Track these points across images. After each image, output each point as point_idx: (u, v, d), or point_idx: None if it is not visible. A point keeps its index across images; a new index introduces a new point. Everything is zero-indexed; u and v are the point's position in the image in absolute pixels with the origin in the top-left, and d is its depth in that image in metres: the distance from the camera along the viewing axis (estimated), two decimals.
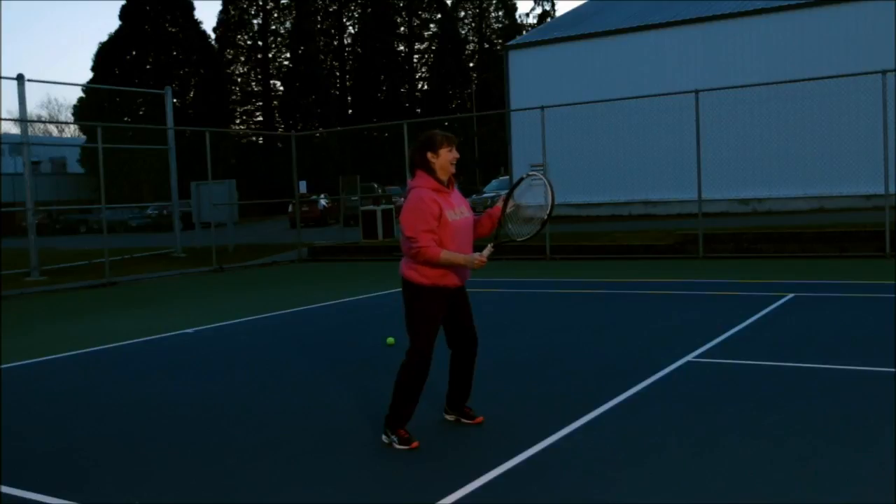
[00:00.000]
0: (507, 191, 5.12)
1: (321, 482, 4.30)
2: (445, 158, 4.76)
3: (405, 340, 4.86)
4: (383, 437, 4.87)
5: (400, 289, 4.92)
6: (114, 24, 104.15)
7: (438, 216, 4.65)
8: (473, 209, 5.11)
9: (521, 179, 5.07)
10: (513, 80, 29.30)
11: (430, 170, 4.76)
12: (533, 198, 5.03)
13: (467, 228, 4.84)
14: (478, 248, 4.79)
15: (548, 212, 4.86)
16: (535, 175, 5.04)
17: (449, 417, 5.27)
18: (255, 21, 65.39)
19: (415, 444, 4.75)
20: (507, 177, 31.04)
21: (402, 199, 5.19)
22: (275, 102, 65.41)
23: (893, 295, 9.57)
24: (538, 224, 4.92)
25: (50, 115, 73.68)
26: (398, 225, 4.81)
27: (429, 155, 4.76)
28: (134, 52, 54.13)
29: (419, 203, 4.65)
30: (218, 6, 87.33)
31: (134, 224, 38.31)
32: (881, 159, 14.36)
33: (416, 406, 4.89)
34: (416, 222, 4.62)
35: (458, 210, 4.81)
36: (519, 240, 5.01)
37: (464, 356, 5.05)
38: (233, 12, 63.95)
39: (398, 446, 4.75)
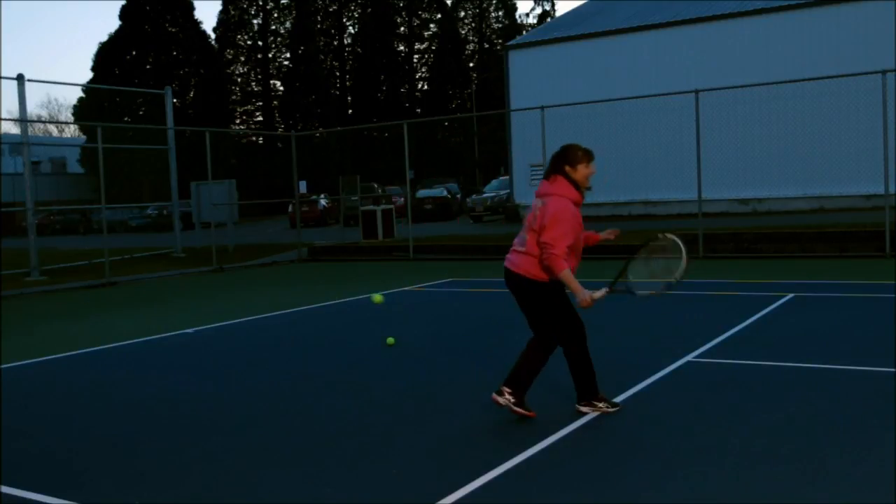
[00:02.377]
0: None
1: (321, 482, 4.30)
2: (583, 174, 4.93)
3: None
4: (587, 409, 5.12)
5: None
6: (114, 24, 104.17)
7: (580, 232, 4.89)
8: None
9: (656, 237, 5.17)
10: (513, 80, 29.30)
11: (570, 181, 4.91)
12: (664, 263, 5.16)
13: (581, 244, 5.08)
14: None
15: (676, 279, 5.02)
16: (672, 240, 5.10)
17: (500, 399, 5.11)
18: (255, 21, 65.39)
19: (620, 406, 5.22)
20: (507, 177, 31.03)
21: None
22: (275, 102, 65.40)
23: (893, 295, 9.57)
24: (661, 289, 5.09)
25: (50, 115, 73.76)
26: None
27: (567, 168, 4.91)
28: (134, 52, 54.12)
29: (567, 214, 4.83)
30: (218, 6, 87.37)
31: (134, 224, 38.32)
32: (881, 159, 14.35)
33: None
34: (560, 231, 4.79)
35: (582, 226, 5.01)
36: (637, 293, 5.19)
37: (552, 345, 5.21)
38: (233, 12, 63.93)
39: (610, 409, 5.15)
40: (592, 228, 5.25)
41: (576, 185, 4.92)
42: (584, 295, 4.85)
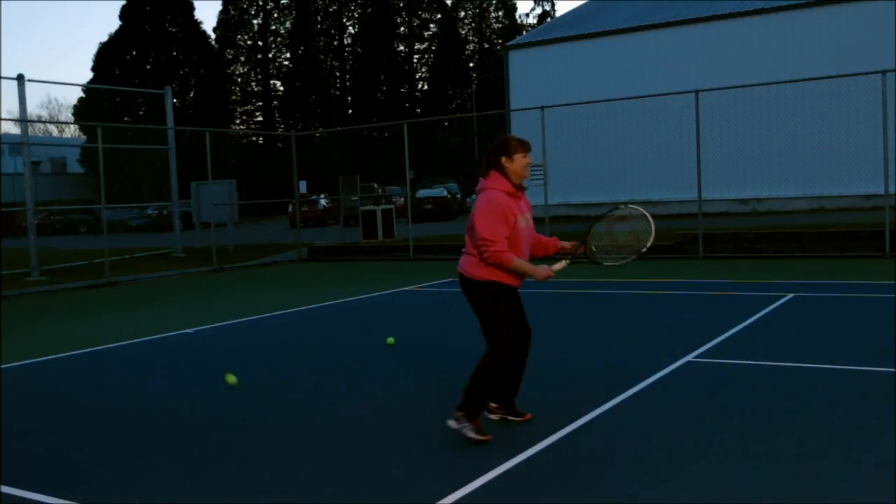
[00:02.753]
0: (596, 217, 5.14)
1: (321, 482, 4.30)
2: (520, 164, 4.79)
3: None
4: (452, 423, 4.76)
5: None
6: (114, 24, 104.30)
7: (514, 221, 4.71)
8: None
9: (617, 207, 5.12)
10: (513, 80, 29.30)
11: (504, 173, 4.79)
12: (629, 227, 5.07)
13: (530, 236, 4.94)
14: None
15: (647, 245, 4.96)
16: (635, 209, 5.07)
17: (493, 417, 5.12)
18: (255, 21, 65.40)
19: (489, 437, 4.73)
20: None
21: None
22: (275, 102, 65.39)
23: (893, 295, 9.57)
24: (631, 254, 5.00)
25: (50, 115, 73.76)
26: (471, 226, 4.78)
27: (503, 159, 4.79)
28: (134, 52, 54.11)
29: (496, 206, 4.67)
30: (218, 6, 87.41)
31: (134, 224, 38.32)
32: (881, 159, 14.36)
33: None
34: (493, 225, 4.64)
35: (526, 217, 4.88)
36: (604, 263, 5.07)
37: (519, 349, 5.01)
38: (233, 12, 63.94)
39: (471, 435, 4.70)
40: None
41: (509, 177, 4.77)
42: (541, 271, 4.68)
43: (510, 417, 5.11)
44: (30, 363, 7.99)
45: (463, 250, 4.93)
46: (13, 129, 59.96)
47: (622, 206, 5.14)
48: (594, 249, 5.07)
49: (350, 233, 25.10)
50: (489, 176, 4.81)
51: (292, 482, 4.32)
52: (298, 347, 8.32)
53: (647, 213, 5.05)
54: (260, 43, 65.71)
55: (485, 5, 73.37)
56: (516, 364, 5.03)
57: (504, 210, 4.66)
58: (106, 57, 53.36)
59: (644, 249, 5.03)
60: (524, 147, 4.82)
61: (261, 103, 66.34)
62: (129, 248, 22.16)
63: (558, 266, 4.82)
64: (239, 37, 64.87)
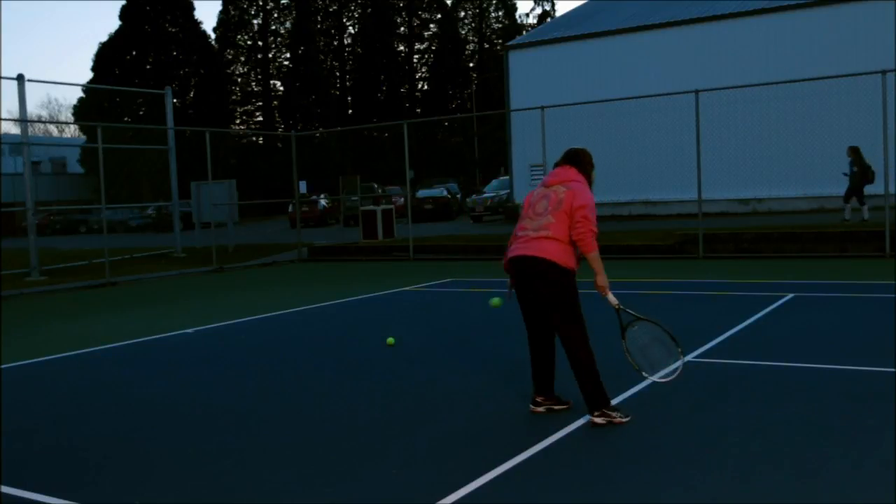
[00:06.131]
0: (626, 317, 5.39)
1: (321, 482, 4.30)
2: (592, 179, 5.27)
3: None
4: (598, 419, 4.95)
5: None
6: (114, 24, 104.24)
7: None
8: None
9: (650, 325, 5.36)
10: (513, 80, 29.30)
11: (589, 181, 5.22)
12: (660, 354, 5.31)
13: None
14: None
15: (670, 378, 5.25)
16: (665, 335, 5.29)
17: (539, 409, 5.28)
18: (255, 21, 65.41)
19: (630, 416, 5.01)
20: (507, 177, 31.05)
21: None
22: (275, 102, 65.41)
23: (893, 295, 9.57)
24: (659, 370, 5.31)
25: (50, 115, 73.71)
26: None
27: (593, 173, 5.28)
28: (134, 52, 54.12)
29: (593, 201, 5.06)
30: (218, 6, 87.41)
31: (134, 224, 38.32)
32: (881, 159, 14.35)
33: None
34: (593, 214, 4.99)
35: None
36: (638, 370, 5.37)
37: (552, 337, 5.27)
38: (233, 12, 63.95)
39: (622, 419, 4.95)
40: None
41: (591, 185, 5.23)
42: (605, 281, 5.04)
43: (556, 407, 5.28)
44: (30, 363, 7.99)
45: (544, 234, 5.00)
46: (13, 129, 60.02)
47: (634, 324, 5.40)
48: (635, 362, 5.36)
49: (350, 233, 25.10)
50: (579, 174, 5.14)
51: (292, 482, 4.32)
52: (298, 347, 8.32)
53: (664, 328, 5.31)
54: (260, 43, 65.72)
55: (485, 5, 73.37)
56: (549, 353, 5.30)
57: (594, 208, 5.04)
58: (106, 57, 53.36)
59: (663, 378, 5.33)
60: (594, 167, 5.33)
61: (261, 103, 66.36)
62: (129, 248, 22.16)
63: (613, 298, 5.14)
64: (239, 37, 64.89)
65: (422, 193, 35.64)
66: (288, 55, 64.56)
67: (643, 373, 5.30)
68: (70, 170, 55.36)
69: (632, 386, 5.89)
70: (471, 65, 71.39)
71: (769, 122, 22.99)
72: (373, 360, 7.38)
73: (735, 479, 4.06)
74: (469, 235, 22.71)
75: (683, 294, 10.94)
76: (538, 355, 5.31)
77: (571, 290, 5.01)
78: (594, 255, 4.94)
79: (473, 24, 73.64)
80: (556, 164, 5.31)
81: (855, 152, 17.12)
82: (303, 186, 23.35)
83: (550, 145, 17.23)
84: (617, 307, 5.18)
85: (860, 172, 16.95)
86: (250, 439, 5.12)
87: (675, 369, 5.23)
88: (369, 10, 66.74)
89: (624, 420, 4.95)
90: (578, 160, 5.24)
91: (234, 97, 64.11)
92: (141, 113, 40.16)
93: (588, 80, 26.71)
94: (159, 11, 54.58)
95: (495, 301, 6.53)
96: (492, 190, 33.81)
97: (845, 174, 17.43)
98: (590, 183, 5.21)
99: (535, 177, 26.05)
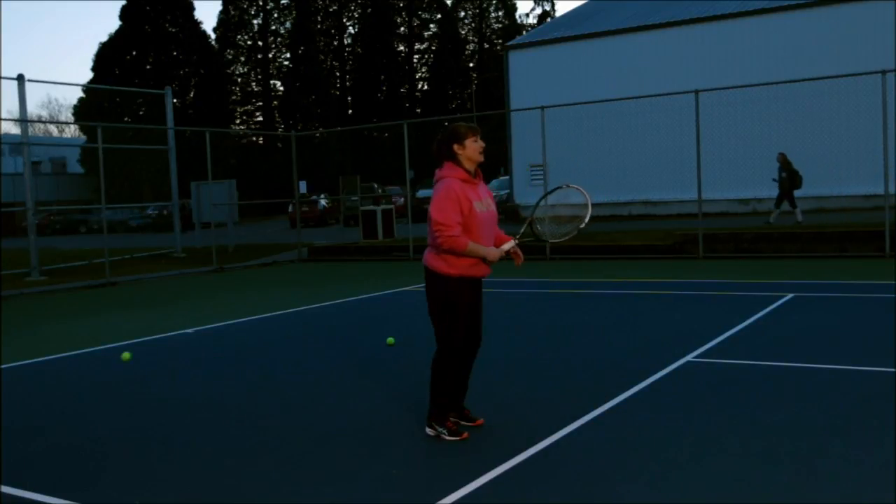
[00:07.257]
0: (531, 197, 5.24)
1: (321, 482, 4.30)
2: (472, 149, 4.80)
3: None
4: (428, 430, 4.89)
5: (423, 285, 4.95)
6: (114, 24, 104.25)
7: (468, 207, 4.71)
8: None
9: (557, 188, 5.20)
10: (513, 80, 29.29)
11: (457, 161, 4.80)
12: (567, 198, 5.14)
13: (491, 221, 4.89)
14: None
15: (588, 212, 5.00)
16: (571, 186, 5.16)
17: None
18: (255, 21, 65.40)
19: (465, 434, 4.81)
20: (507, 177, 31.04)
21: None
22: (275, 102, 65.40)
23: (893, 295, 9.57)
24: (578, 223, 5.03)
25: (50, 115, 73.70)
26: (427, 221, 4.87)
27: (455, 147, 4.80)
28: (134, 52, 54.10)
29: (449, 192, 4.69)
30: (218, 6, 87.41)
31: (134, 224, 38.31)
32: (881, 159, 14.35)
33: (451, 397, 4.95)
34: (446, 211, 4.66)
35: (485, 202, 4.86)
36: (552, 240, 5.13)
37: (465, 354, 5.03)
38: (233, 12, 63.94)
39: (448, 438, 4.81)
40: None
41: (462, 164, 4.79)
42: (493, 252, 4.73)
43: (462, 422, 5.05)
44: (30, 363, 7.99)
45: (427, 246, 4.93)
46: (13, 129, 60.04)
47: (563, 186, 5.23)
48: (539, 229, 5.14)
49: (350, 233, 25.10)
50: (443, 166, 4.83)
51: (292, 482, 4.32)
52: (298, 347, 8.32)
53: (580, 188, 5.14)
54: (260, 43, 65.71)
55: (485, 5, 73.39)
56: (462, 365, 5.01)
57: (458, 196, 4.68)
58: (106, 57, 53.33)
59: (586, 218, 5.06)
60: (474, 132, 4.83)
61: (261, 103, 66.35)
62: (129, 248, 22.16)
63: (506, 246, 4.83)
64: (239, 37, 64.88)
65: (422, 193, 35.61)
66: (288, 55, 64.56)
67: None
68: (70, 170, 55.33)
69: (632, 386, 5.89)
70: (471, 65, 71.41)
71: (769, 122, 22.97)
72: (373, 359, 7.38)
73: (735, 479, 4.06)
74: None
75: (683, 294, 10.94)
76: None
77: (443, 296, 4.85)
78: (469, 250, 4.67)
79: (473, 24, 73.66)
80: None
81: (784, 158, 18.18)
82: (303, 186, 23.36)
83: (550, 145, 17.23)
84: (515, 242, 4.90)
85: (789, 178, 17.98)
86: (251, 439, 5.12)
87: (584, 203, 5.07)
88: (369, 10, 66.73)
89: (450, 438, 4.80)
90: (447, 148, 4.81)
91: (234, 97, 64.10)
92: (141, 113, 40.16)
93: (588, 80, 26.70)
94: (159, 11, 54.55)
95: (125, 355, 6.69)
96: (492, 190, 33.74)
97: (774, 180, 18.43)
98: (469, 157, 4.78)
99: (536, 177, 26.06)
